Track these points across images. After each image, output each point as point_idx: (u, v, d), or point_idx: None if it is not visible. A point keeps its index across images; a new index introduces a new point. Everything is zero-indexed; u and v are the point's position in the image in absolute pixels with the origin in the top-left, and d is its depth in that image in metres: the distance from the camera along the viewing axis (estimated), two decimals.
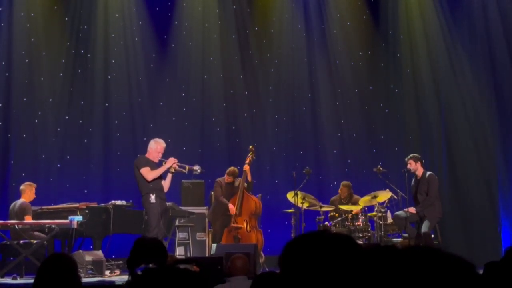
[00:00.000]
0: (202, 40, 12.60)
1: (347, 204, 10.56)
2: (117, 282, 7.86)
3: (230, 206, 10.14)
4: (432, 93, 12.77)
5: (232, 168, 10.51)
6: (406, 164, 9.76)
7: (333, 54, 12.99)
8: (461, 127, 12.49)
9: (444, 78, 12.71)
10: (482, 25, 12.60)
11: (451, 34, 12.79)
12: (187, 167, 9.31)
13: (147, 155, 9.17)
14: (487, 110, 12.45)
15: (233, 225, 10.06)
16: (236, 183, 10.36)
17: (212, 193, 10.65)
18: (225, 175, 10.42)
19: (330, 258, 1.25)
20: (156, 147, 9.17)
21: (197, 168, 9.38)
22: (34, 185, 9.74)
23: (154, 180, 8.93)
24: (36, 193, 9.71)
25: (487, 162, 12.29)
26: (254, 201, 10.26)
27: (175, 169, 9.16)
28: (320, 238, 1.34)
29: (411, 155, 9.89)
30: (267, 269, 9.28)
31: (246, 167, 10.20)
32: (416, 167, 9.72)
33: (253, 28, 12.88)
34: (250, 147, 10.48)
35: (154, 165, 9.07)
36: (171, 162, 9.09)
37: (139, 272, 3.28)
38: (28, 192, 9.54)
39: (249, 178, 10.28)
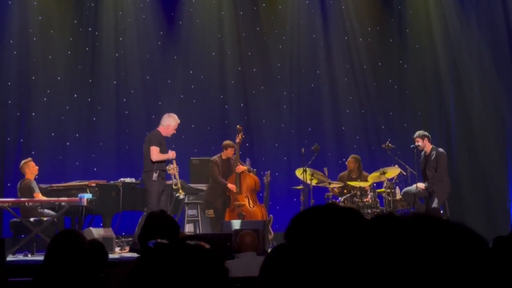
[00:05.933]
0: (210, 17, 12.53)
1: (356, 179, 10.53)
2: (127, 259, 7.92)
3: (231, 185, 10.15)
4: (441, 69, 12.68)
5: (228, 141, 10.43)
6: (414, 142, 9.77)
7: (342, 30, 12.90)
8: (470, 103, 12.42)
9: (454, 53, 12.62)
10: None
11: (461, 9, 12.66)
12: (174, 182, 9.25)
13: (160, 129, 9.15)
14: (497, 85, 12.37)
15: (235, 203, 10.06)
16: (231, 161, 10.36)
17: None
18: (227, 149, 10.31)
19: (335, 230, 1.25)
20: (170, 122, 9.16)
21: (180, 194, 9.42)
22: (29, 159, 9.69)
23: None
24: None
25: (497, 138, 12.24)
26: (252, 177, 10.28)
27: (169, 172, 9.15)
28: (326, 211, 1.34)
29: (417, 132, 9.87)
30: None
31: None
32: (424, 144, 9.73)
33: (261, 5, 12.78)
34: (238, 126, 10.37)
35: (166, 146, 9.07)
36: (174, 155, 9.09)
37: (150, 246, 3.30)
38: (27, 170, 9.52)
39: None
